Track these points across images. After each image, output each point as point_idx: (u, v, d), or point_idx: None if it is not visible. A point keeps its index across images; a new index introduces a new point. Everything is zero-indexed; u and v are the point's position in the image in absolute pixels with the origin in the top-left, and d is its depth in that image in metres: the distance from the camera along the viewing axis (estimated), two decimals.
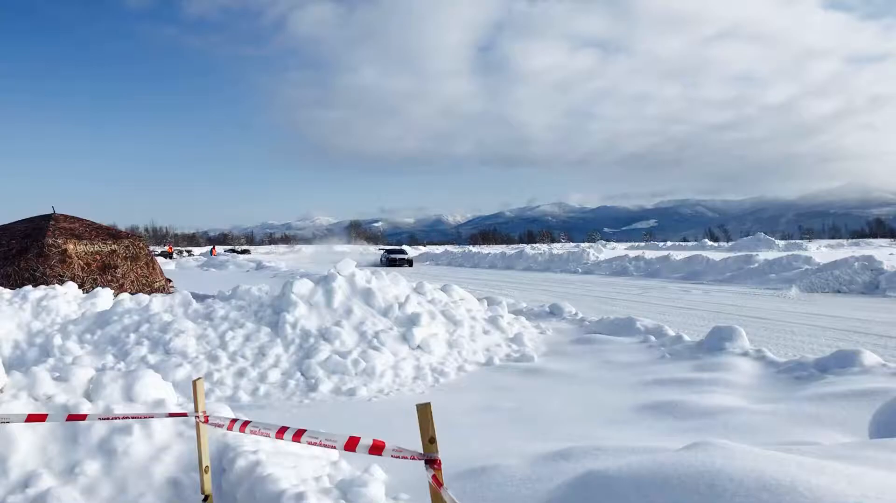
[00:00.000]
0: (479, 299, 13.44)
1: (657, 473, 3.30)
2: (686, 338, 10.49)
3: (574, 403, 7.57)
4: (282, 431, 3.09)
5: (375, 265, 47.56)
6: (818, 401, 6.56)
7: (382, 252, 57.57)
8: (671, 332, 10.96)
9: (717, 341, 9.59)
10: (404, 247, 75.07)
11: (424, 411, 2.37)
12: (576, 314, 14.25)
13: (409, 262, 51.48)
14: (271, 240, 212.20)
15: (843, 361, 7.74)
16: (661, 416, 6.70)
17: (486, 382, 8.80)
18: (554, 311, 14.67)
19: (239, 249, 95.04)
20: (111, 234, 17.28)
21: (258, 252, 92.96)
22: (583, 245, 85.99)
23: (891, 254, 37.78)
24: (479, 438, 6.24)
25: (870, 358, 7.77)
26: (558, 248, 68.04)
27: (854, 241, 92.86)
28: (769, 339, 11.99)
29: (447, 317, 11.01)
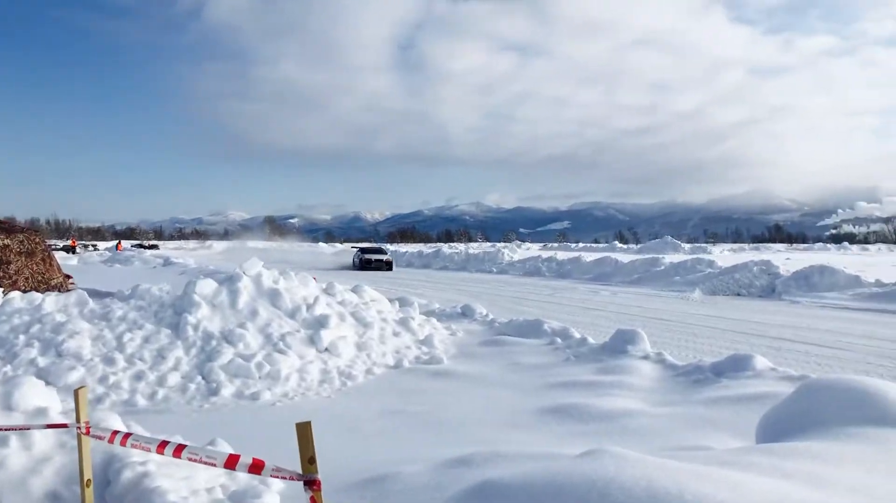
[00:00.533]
0: (390, 300, 13.37)
1: (551, 482, 3.31)
2: (591, 340, 10.69)
3: (480, 407, 7.59)
4: (162, 446, 2.95)
5: (345, 268, 41.91)
6: (712, 405, 6.78)
7: (356, 251, 46.81)
8: (577, 335, 11.15)
9: (619, 344, 9.81)
10: (383, 245, 59.05)
11: (304, 430, 2.28)
12: (486, 315, 14.36)
13: (388, 265, 40.89)
14: (181, 235, 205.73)
15: (737, 365, 8.04)
16: (564, 420, 6.79)
17: (394, 385, 8.73)
18: (465, 312, 14.73)
19: (146, 244, 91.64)
20: (3, 227, 16.35)
21: (167, 247, 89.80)
22: (498, 245, 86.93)
23: (787, 258, 39.66)
24: (385, 444, 6.18)
25: (761, 362, 8.09)
26: (475, 248, 68.59)
27: (755, 245, 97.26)
28: (672, 341, 12.38)
29: (357, 318, 10.88)
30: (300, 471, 2.33)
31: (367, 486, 4.82)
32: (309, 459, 2.26)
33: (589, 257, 37.81)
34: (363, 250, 44.69)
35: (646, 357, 9.33)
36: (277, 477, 2.37)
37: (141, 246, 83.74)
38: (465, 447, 5.32)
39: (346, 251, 64.15)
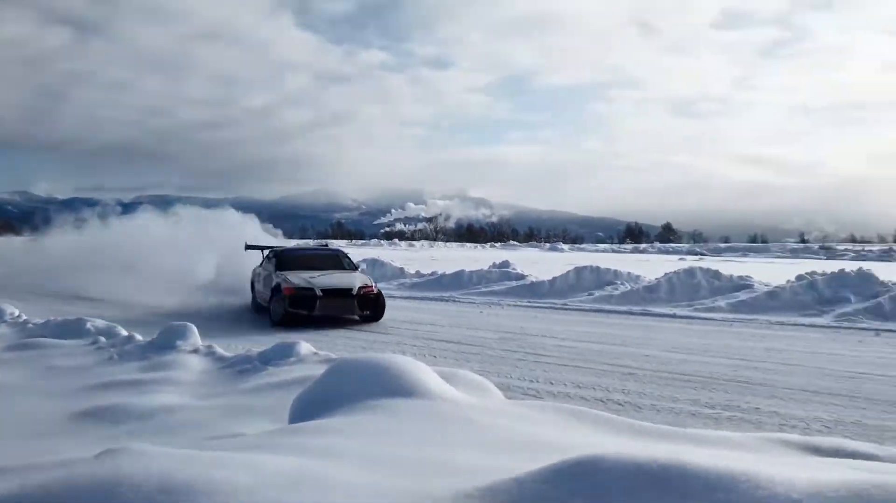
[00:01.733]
0: None
1: (70, 488, 3.02)
2: (138, 337, 10.16)
3: (1, 419, 6.66)
4: None
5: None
6: (255, 393, 6.93)
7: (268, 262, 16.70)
8: (123, 333, 10.52)
9: (169, 339, 9.50)
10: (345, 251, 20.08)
11: None
12: (18, 316, 12.74)
13: (367, 303, 14.87)
14: None
15: (282, 353, 8.33)
16: (99, 423, 6.30)
17: None
18: None
19: None
20: None
21: None
22: None
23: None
24: None
25: (305, 348, 8.52)
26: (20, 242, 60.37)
27: (320, 241, 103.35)
28: (229, 334, 12.43)
29: None
30: None
31: None
32: None
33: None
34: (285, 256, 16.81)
35: (195, 351, 9.18)
36: None
37: None
38: None
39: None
